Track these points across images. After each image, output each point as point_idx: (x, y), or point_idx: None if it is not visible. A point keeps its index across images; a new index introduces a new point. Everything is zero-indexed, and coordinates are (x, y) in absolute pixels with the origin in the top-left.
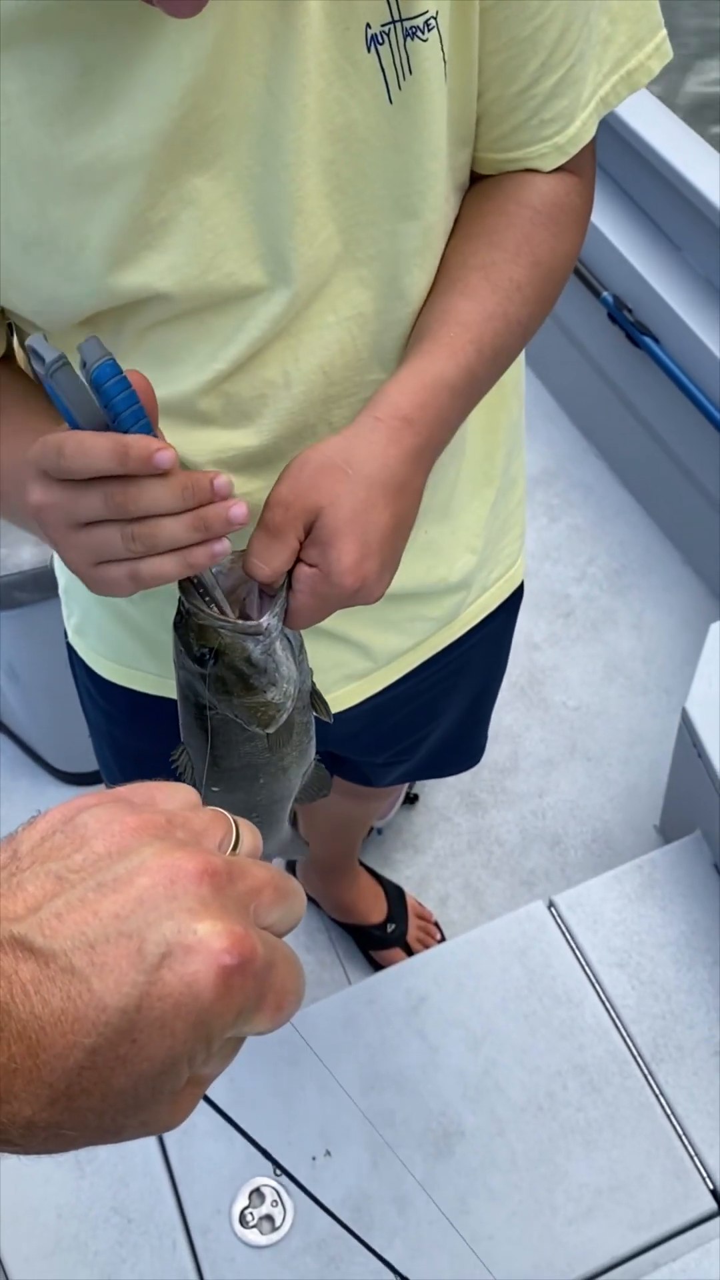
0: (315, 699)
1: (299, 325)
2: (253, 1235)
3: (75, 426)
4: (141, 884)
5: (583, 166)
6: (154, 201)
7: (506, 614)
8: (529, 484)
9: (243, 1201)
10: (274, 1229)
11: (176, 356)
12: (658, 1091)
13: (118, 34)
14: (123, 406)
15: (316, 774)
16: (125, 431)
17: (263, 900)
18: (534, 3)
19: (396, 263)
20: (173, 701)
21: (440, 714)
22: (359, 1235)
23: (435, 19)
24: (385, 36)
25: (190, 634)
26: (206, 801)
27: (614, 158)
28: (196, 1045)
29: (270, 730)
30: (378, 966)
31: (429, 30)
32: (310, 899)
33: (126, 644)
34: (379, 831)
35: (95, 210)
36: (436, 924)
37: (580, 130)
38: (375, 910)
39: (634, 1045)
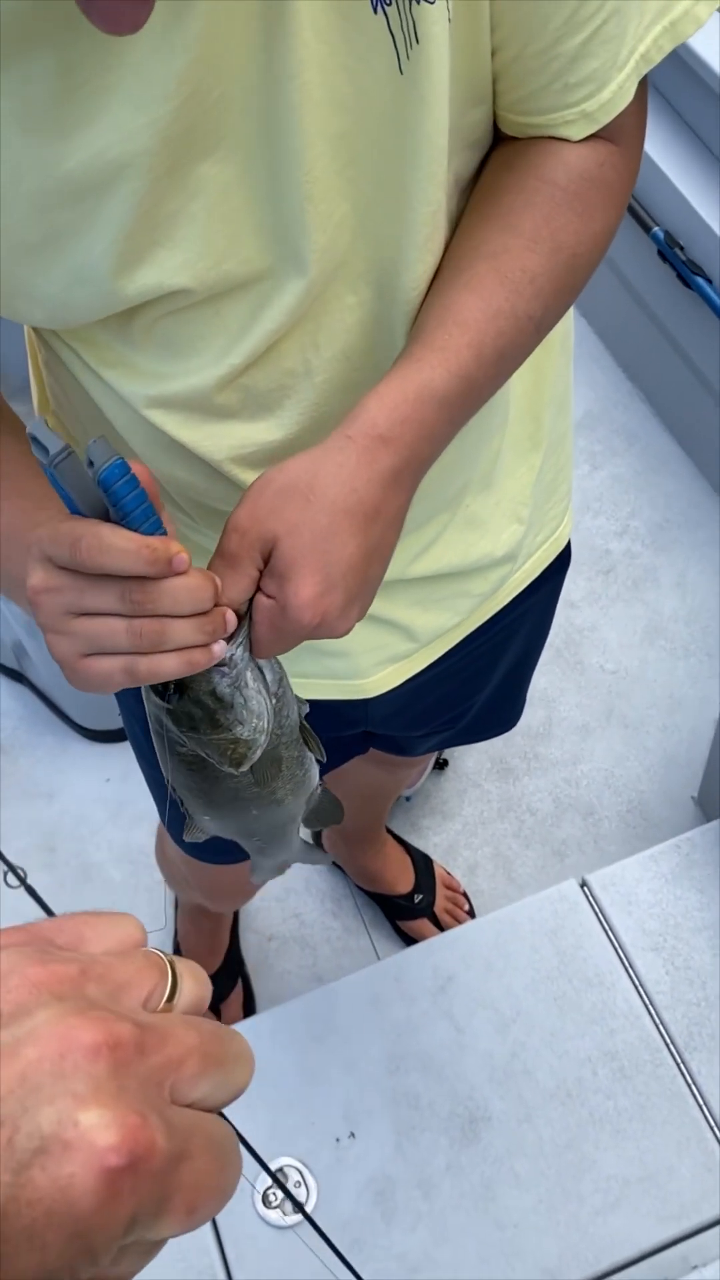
0: (305, 735)
1: (317, 309)
2: (275, 1215)
3: (76, 513)
4: (26, 1056)
5: (622, 133)
6: (159, 196)
7: (554, 576)
8: None
9: (266, 1181)
10: (296, 1210)
11: (191, 349)
12: (690, 1081)
13: (96, 30)
14: (133, 506)
15: (325, 802)
16: (136, 529)
17: (185, 1071)
18: None
19: (413, 238)
20: None
21: (484, 685)
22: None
23: None
24: None
25: None
26: (203, 828)
27: (666, 75)
28: (76, 1259)
29: (241, 769)
30: (404, 935)
31: None
32: (337, 865)
33: None
34: (407, 798)
35: (98, 211)
36: (465, 894)
37: (615, 96)
38: (402, 880)
39: (667, 1032)
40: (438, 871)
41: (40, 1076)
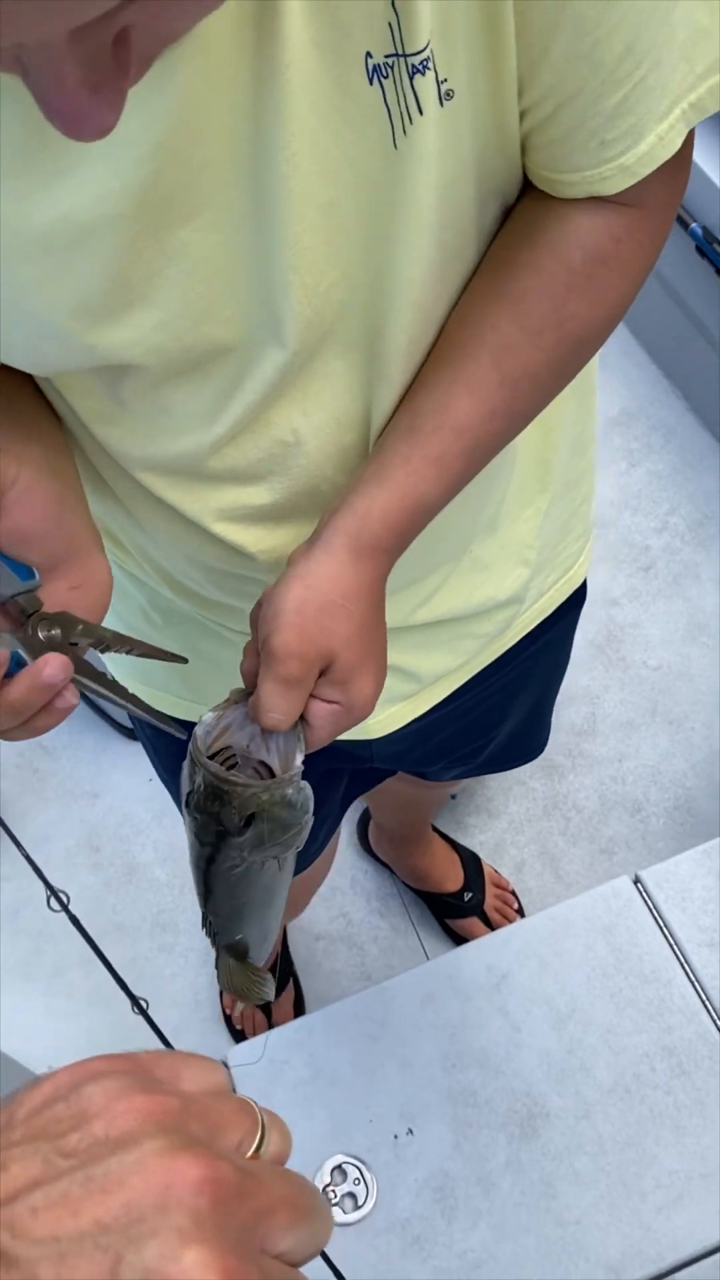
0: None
1: (305, 378)
2: (335, 1213)
3: None
4: (133, 1187)
5: (651, 193)
6: (134, 259)
7: (568, 613)
8: (605, 426)
9: (325, 1178)
10: (356, 1207)
11: (174, 418)
12: None
13: None
14: None
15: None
16: None
17: (276, 1222)
18: (591, 11)
19: (404, 301)
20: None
21: (500, 721)
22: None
23: (433, 51)
24: (389, 69)
25: (228, 809)
26: (218, 931)
27: None
28: None
29: (300, 845)
30: (453, 934)
31: (427, 68)
32: (384, 864)
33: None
34: (453, 796)
35: (66, 269)
36: (514, 892)
37: (655, 147)
38: (451, 878)
39: None
40: (486, 870)
41: (145, 1208)
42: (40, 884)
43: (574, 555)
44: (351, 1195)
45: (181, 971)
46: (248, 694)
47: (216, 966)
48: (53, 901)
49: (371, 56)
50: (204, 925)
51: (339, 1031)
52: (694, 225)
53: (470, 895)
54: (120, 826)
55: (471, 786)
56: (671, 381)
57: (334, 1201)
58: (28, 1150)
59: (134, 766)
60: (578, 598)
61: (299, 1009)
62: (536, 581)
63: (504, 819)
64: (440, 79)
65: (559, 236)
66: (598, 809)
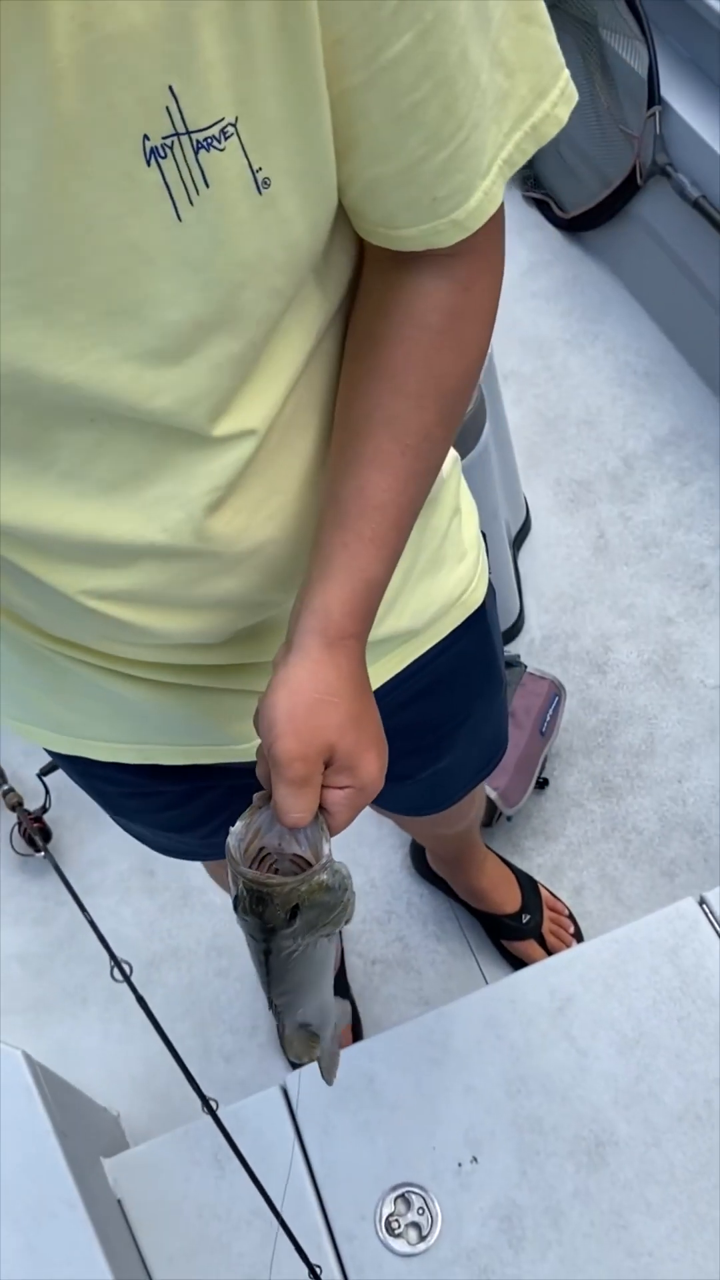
0: None
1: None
2: (400, 1244)
3: None
4: None
5: (487, 239)
6: None
7: (470, 632)
8: (656, 445)
9: (388, 1208)
10: (421, 1238)
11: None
12: None
13: None
14: None
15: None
16: None
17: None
18: (407, 75)
19: (226, 382)
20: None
21: (430, 731)
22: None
23: (235, 124)
24: (168, 150)
25: (273, 908)
26: (283, 1011)
27: None
28: None
29: (349, 919)
30: (510, 957)
31: (226, 138)
32: (441, 887)
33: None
34: (509, 819)
35: None
36: (571, 916)
37: (482, 201)
38: (509, 900)
39: None
40: (543, 893)
41: None
42: (95, 911)
43: (457, 584)
44: (416, 1225)
45: (238, 996)
46: (268, 796)
47: (280, 1040)
48: (116, 972)
49: (149, 139)
50: (270, 1008)
51: (400, 1056)
52: None
53: (528, 917)
54: None
55: (528, 809)
56: None
57: (398, 1232)
58: None
59: None
60: (478, 617)
61: (357, 1034)
62: (406, 624)
63: (561, 842)
64: (255, 168)
65: (413, 302)
66: (658, 831)
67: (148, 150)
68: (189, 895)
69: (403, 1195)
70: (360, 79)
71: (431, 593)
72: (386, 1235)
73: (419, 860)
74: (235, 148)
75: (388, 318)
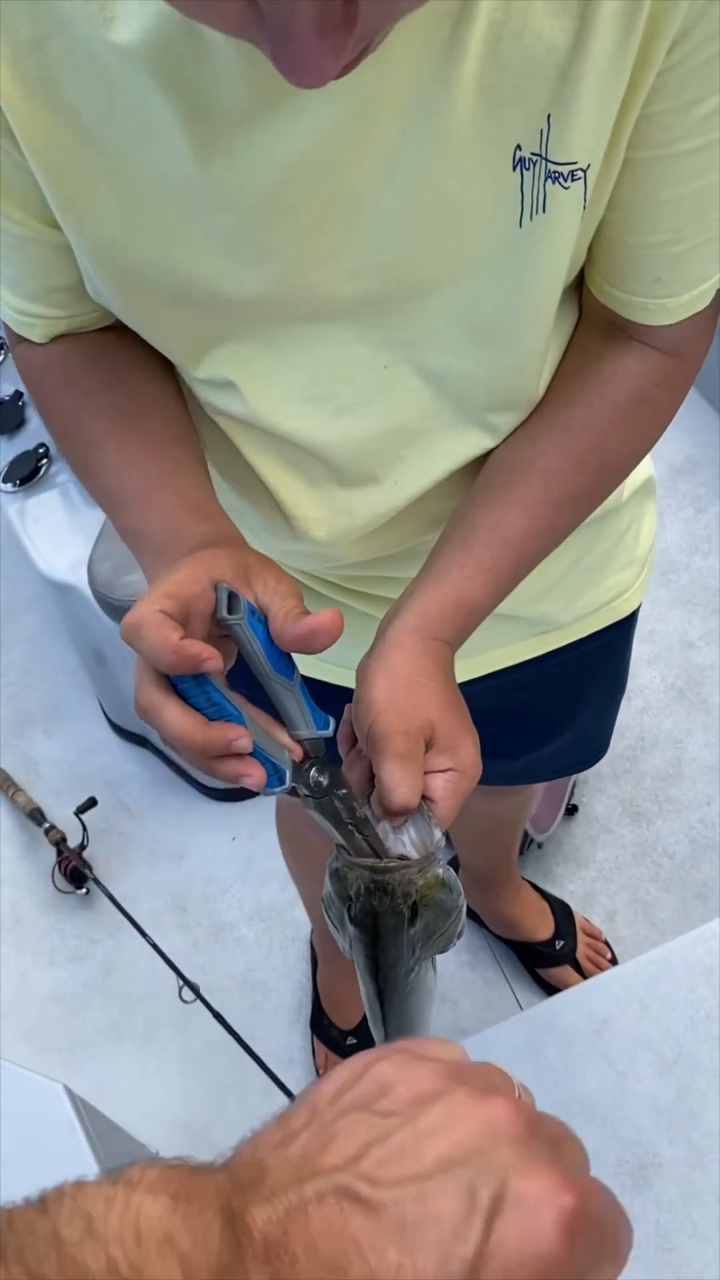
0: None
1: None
2: None
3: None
4: (458, 1129)
5: (689, 344)
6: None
7: (609, 637)
8: (671, 474)
9: None
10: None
11: None
12: None
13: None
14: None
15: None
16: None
17: (569, 1150)
18: (683, 171)
19: (497, 384)
20: None
21: (540, 718)
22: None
23: (585, 171)
24: (532, 164)
25: (393, 900)
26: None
27: None
28: None
29: (461, 933)
30: (545, 985)
31: (573, 180)
32: (473, 918)
33: None
34: (539, 845)
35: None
36: (606, 942)
37: (694, 299)
38: (542, 926)
39: None
40: (577, 918)
41: (479, 1144)
42: (130, 947)
43: (615, 589)
44: None
45: (273, 1030)
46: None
47: None
48: (185, 992)
49: (520, 149)
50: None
51: None
52: None
53: (562, 944)
54: (206, 886)
55: (558, 835)
56: None
57: None
58: (348, 1122)
59: (217, 827)
60: (625, 625)
61: None
62: (560, 615)
63: (593, 868)
64: (586, 197)
65: (609, 377)
66: (689, 854)
67: (517, 159)
68: (220, 931)
69: None
70: (647, 155)
71: (588, 589)
72: None
73: (456, 866)
74: (579, 190)
75: (583, 382)
